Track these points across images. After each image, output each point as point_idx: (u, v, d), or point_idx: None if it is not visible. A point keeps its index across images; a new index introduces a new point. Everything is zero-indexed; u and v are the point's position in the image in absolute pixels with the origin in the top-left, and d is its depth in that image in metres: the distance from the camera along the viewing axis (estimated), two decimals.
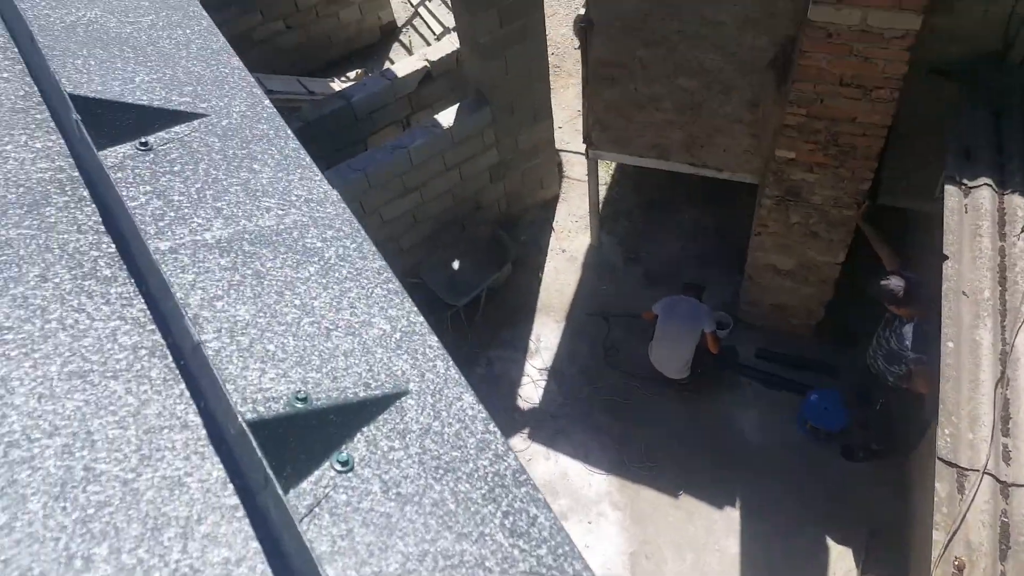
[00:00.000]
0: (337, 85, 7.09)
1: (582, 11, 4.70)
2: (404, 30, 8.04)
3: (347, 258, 0.94)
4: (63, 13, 1.10)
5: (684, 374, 5.03)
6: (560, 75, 7.09)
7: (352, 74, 7.46)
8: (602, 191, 6.15)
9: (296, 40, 7.71)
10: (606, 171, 6.37)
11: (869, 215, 4.36)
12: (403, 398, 0.82)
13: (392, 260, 1.06)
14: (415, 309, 0.93)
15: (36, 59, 1.01)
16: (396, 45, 7.99)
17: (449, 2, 7.59)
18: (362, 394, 0.81)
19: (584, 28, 4.59)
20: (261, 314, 0.84)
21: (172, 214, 0.91)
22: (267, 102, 1.08)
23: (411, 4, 8.05)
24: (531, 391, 5.41)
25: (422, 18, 7.81)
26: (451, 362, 0.89)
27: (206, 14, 1.16)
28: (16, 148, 0.91)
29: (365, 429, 0.79)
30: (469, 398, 0.85)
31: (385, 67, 7.15)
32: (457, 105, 5.59)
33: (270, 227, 0.93)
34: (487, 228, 6.08)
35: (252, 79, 1.13)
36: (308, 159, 1.07)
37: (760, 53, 4.17)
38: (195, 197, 0.94)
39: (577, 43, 7.03)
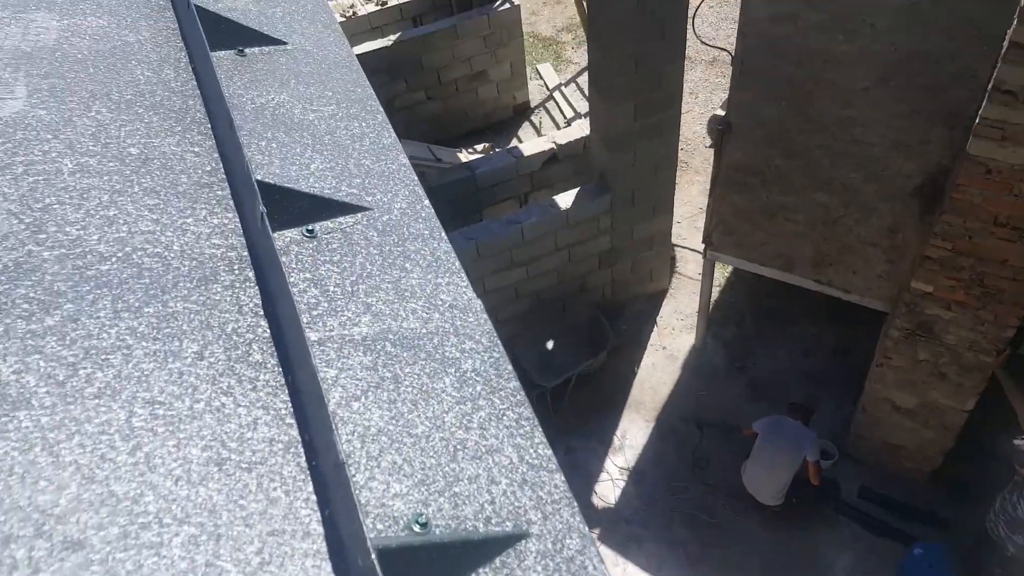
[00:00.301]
0: (464, 156, 7.34)
1: (720, 112, 4.70)
2: (537, 111, 8.29)
3: (483, 374, 0.91)
4: (255, 95, 1.16)
5: (778, 501, 4.72)
6: (687, 171, 7.07)
7: (480, 147, 7.72)
8: (714, 292, 6.00)
9: (434, 110, 8.09)
10: (721, 272, 6.23)
11: (1009, 365, 4.02)
12: (523, 541, 0.78)
13: None
14: (544, 441, 0.89)
15: (228, 137, 1.06)
16: (527, 124, 8.23)
17: (585, 90, 7.80)
18: (482, 529, 0.77)
19: (721, 131, 4.57)
20: (394, 421, 0.83)
21: (326, 304, 0.92)
22: (427, 202, 1.09)
23: (547, 88, 8.31)
24: (608, 490, 5.22)
25: (556, 102, 8.04)
26: (576, 508, 0.84)
27: (382, 110, 1.20)
28: (196, 222, 0.95)
29: (482, 570, 0.74)
30: (593, 556, 0.80)
31: (513, 144, 7.37)
32: (578, 189, 5.65)
33: (413, 330, 0.93)
34: (588, 311, 6.03)
35: (416, 177, 1.15)
36: (457, 264, 1.06)
37: (907, 179, 4.01)
38: (349, 290, 0.94)
39: (709, 142, 7.04)
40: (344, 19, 8.28)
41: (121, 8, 1.31)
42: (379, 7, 8.53)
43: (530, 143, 6.45)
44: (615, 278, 6.13)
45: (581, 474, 5.29)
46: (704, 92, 7.77)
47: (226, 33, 1.26)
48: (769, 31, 4.01)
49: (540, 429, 0.91)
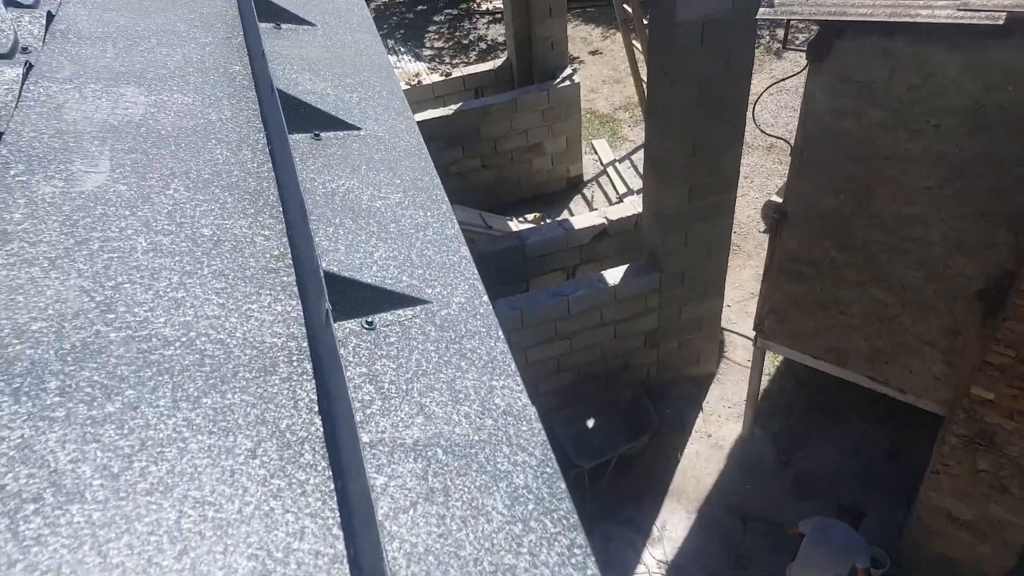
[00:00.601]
0: (515, 224, 7.42)
1: (775, 198, 4.67)
2: (590, 185, 8.38)
3: (535, 491, 0.88)
4: (327, 179, 1.18)
5: None
6: (739, 254, 7.01)
7: (531, 216, 7.80)
8: (763, 380, 5.85)
9: (489, 178, 8.24)
10: (771, 361, 6.08)
11: None
12: None
13: None
14: (597, 572, 0.85)
15: (298, 222, 1.07)
16: (579, 197, 8.31)
17: (639, 167, 7.86)
18: None
19: (777, 219, 4.53)
20: (442, 539, 0.79)
21: (379, 403, 0.90)
22: (485, 298, 1.08)
23: (601, 163, 8.40)
24: None
25: (609, 177, 8.11)
26: None
27: (447, 199, 1.20)
28: (260, 308, 0.96)
29: None
30: None
31: (564, 216, 7.43)
32: (627, 266, 5.63)
33: (465, 437, 0.90)
34: (631, 391, 5.92)
35: (475, 271, 1.14)
36: (513, 367, 1.04)
37: (969, 281, 3.89)
38: (403, 388, 0.93)
39: (763, 227, 6.99)
40: (409, 87, 8.57)
41: (207, 86, 1.36)
42: (443, 77, 8.82)
43: (581, 216, 6.49)
44: (661, 358, 6.04)
45: (616, 566, 5.09)
46: (760, 177, 7.76)
47: (304, 117, 1.30)
48: (831, 125, 4.00)
49: (593, 558, 0.87)
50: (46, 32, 1.34)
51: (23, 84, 1.17)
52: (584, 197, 8.30)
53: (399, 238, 1.17)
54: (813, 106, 4.05)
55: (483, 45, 11.94)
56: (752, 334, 5.09)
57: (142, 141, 1.12)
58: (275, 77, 1.36)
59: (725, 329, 6.38)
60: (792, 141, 4.40)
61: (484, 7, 12.98)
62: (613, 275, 5.54)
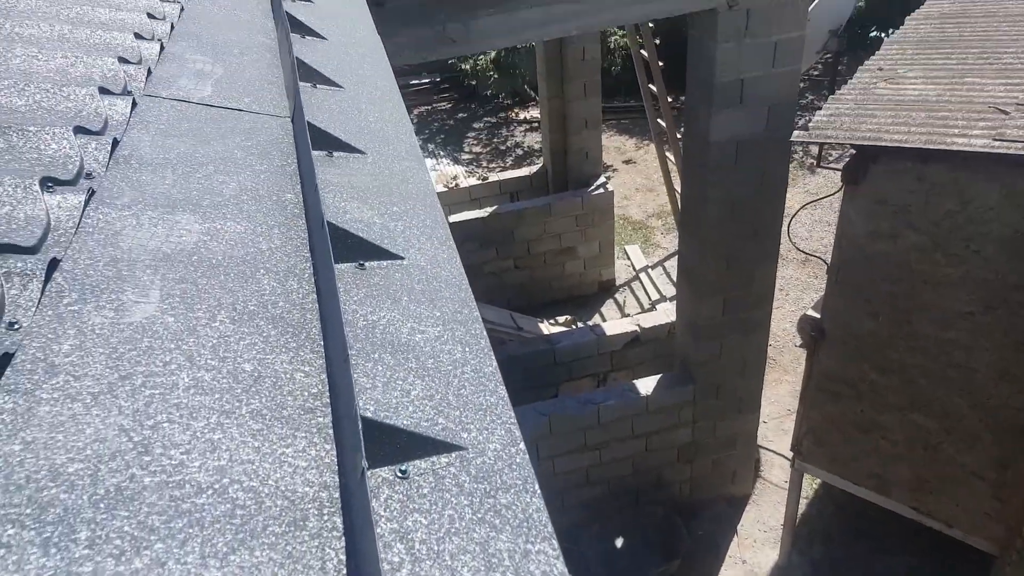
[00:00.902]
0: (546, 327, 7.42)
1: (811, 312, 4.61)
2: (622, 290, 8.40)
3: None
4: (368, 311, 1.18)
5: None
6: (775, 368, 6.89)
7: (562, 319, 7.81)
8: (801, 503, 5.61)
9: (521, 279, 8.33)
10: (809, 483, 5.85)
11: None
12: None
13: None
14: None
15: (337, 358, 1.07)
16: (611, 302, 8.32)
17: (672, 274, 7.88)
18: None
19: (814, 338, 4.47)
20: None
21: (409, 566, 0.86)
22: (522, 445, 1.06)
23: (633, 269, 8.46)
24: None
25: (641, 283, 8.14)
26: None
27: (486, 334, 1.20)
28: (294, 453, 0.94)
29: None
30: None
31: (595, 321, 7.42)
32: (660, 376, 5.56)
33: None
34: (662, 510, 5.71)
35: (512, 412, 1.12)
36: (550, 528, 1.00)
37: (1016, 412, 3.75)
38: (435, 549, 0.89)
39: (799, 341, 6.88)
40: (447, 189, 8.83)
41: (259, 214, 1.40)
42: (480, 181, 9.09)
43: (613, 322, 6.48)
44: (694, 475, 5.84)
45: None
46: (795, 290, 7.72)
47: (350, 247, 1.33)
48: (867, 247, 4.00)
49: None
50: (110, 158, 1.40)
51: (84, 210, 1.22)
52: (616, 302, 8.30)
53: (436, 375, 1.16)
54: (848, 227, 4.06)
55: (519, 151, 12.34)
56: (789, 454, 4.93)
57: (193, 270, 1.14)
58: (325, 206, 1.40)
59: (761, 447, 6.19)
60: (827, 258, 4.38)
61: (522, 116, 13.50)
62: (645, 385, 5.46)
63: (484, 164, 12.00)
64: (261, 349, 1.08)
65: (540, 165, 9.03)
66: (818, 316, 4.51)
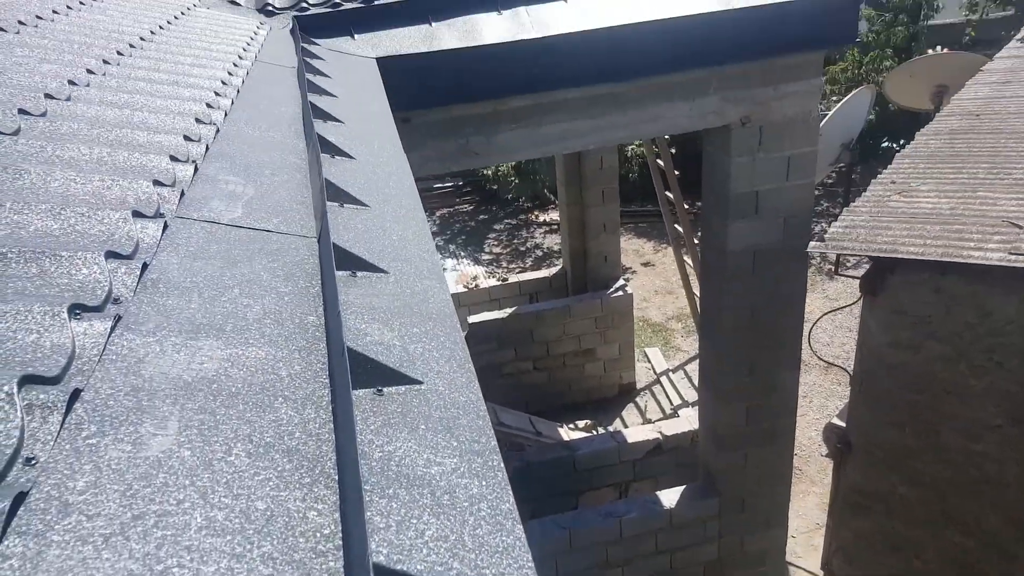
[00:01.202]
0: (565, 432, 7.30)
1: (837, 420, 4.51)
2: (643, 394, 8.30)
3: None
4: (384, 441, 1.17)
5: None
6: (801, 479, 6.67)
7: (582, 423, 7.68)
8: None
9: (540, 380, 8.27)
10: None
11: None
12: None
13: None
14: None
15: (352, 495, 1.05)
16: (631, 406, 8.20)
17: (693, 378, 7.79)
18: None
19: (840, 449, 4.34)
20: None
21: None
22: None
23: (654, 372, 8.38)
24: None
25: (662, 386, 8.04)
26: None
27: (503, 468, 1.18)
28: None
29: None
30: None
31: (615, 426, 7.29)
32: (683, 487, 5.39)
33: None
34: None
35: (530, 556, 1.09)
36: None
37: None
38: None
39: (825, 450, 6.69)
40: (467, 290, 8.93)
41: (281, 338, 1.41)
42: (500, 282, 9.19)
43: (635, 429, 6.36)
44: None
45: None
46: (819, 397, 7.58)
47: (370, 372, 1.33)
48: (889, 357, 3.94)
49: None
50: (139, 282, 1.44)
51: (109, 337, 1.24)
52: (637, 406, 8.19)
53: (452, 513, 1.13)
54: (869, 337, 4.02)
55: (539, 253, 12.52)
56: (820, 573, 4.70)
57: (212, 400, 1.15)
58: (346, 329, 1.42)
59: (791, 564, 5.91)
60: (848, 366, 4.32)
61: (541, 219, 13.79)
62: (669, 497, 5.30)
63: (504, 265, 12.16)
64: (275, 485, 1.07)
65: (559, 267, 9.14)
66: (843, 425, 4.41)
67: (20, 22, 2.99)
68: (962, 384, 3.71)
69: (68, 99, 2.36)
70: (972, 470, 3.80)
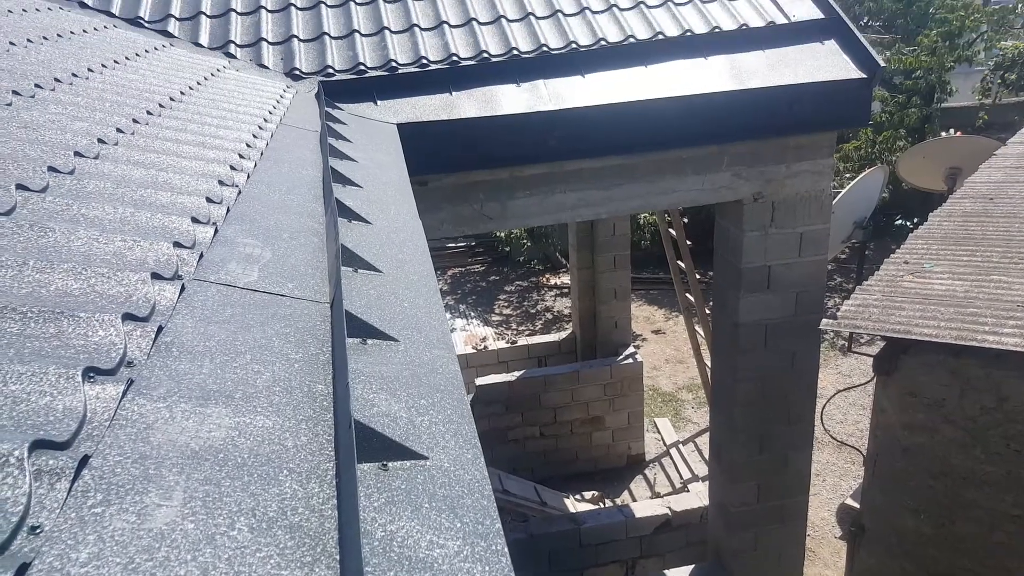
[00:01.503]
0: (571, 503, 7.15)
1: (850, 501, 4.41)
2: (652, 466, 8.15)
3: None
4: (387, 520, 1.17)
5: None
6: (815, 562, 6.47)
7: (588, 495, 7.54)
8: None
9: (546, 448, 8.16)
10: None
11: None
12: None
13: None
14: None
15: None
16: (640, 478, 8.05)
17: (704, 451, 7.67)
18: None
19: (854, 533, 4.23)
20: None
21: None
22: None
23: (663, 443, 8.25)
24: None
25: (672, 459, 7.91)
26: None
27: (507, 553, 1.16)
28: None
29: None
30: None
31: (623, 499, 7.14)
32: (692, 567, 5.24)
33: None
34: None
35: None
36: None
37: None
38: None
39: (839, 531, 6.52)
40: (475, 351, 8.90)
41: (289, 407, 1.41)
42: (509, 344, 9.17)
43: (643, 503, 6.23)
44: None
45: None
46: (833, 476, 7.41)
47: (375, 446, 1.32)
48: (904, 439, 3.87)
49: None
50: (153, 345, 1.45)
51: (120, 401, 1.24)
52: (646, 478, 8.04)
53: None
54: (883, 418, 3.96)
55: (549, 315, 12.52)
56: None
57: (218, 470, 1.14)
58: (353, 400, 1.42)
59: None
60: (862, 446, 4.24)
61: (552, 282, 13.85)
62: None
63: (514, 327, 12.16)
64: (276, 563, 1.06)
65: (569, 331, 9.13)
66: (857, 506, 4.30)
67: (56, 79, 3.10)
68: (979, 471, 3.63)
69: (96, 157, 2.42)
70: (991, 561, 3.68)
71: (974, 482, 3.66)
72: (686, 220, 7.91)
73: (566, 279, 13.54)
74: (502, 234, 13.78)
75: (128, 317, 1.53)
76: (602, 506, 6.75)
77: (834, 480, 7.34)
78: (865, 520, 4.16)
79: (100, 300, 1.60)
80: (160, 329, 1.56)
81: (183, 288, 1.79)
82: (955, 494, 3.74)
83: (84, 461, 1.12)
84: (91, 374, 1.31)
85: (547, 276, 14.05)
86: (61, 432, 1.15)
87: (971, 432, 3.62)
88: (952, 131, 12.78)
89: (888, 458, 3.98)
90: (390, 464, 1.35)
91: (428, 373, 1.71)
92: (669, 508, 5.99)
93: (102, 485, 1.10)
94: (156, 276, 1.76)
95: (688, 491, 6.53)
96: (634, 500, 7.11)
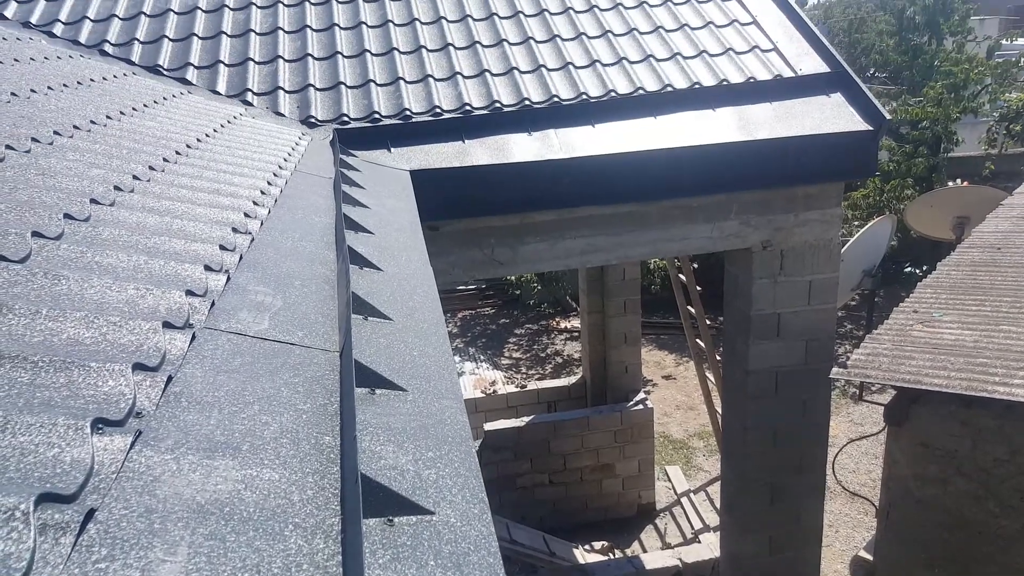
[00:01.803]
0: (580, 554, 7.02)
1: (864, 554, 4.32)
2: (662, 515, 8.02)
3: None
4: None
5: None
6: None
7: (598, 545, 7.40)
8: None
9: (555, 496, 8.05)
10: None
11: None
12: None
13: None
14: None
15: None
16: (650, 527, 7.91)
17: (716, 501, 7.54)
18: None
19: None
20: None
21: None
22: None
23: (674, 492, 8.13)
24: None
25: (683, 508, 7.78)
26: None
27: None
28: None
29: None
30: None
31: (633, 549, 7.01)
32: None
33: None
34: None
35: None
36: None
37: None
38: None
39: None
40: (483, 395, 8.85)
41: (296, 460, 1.41)
42: (518, 389, 9.12)
43: (654, 554, 6.12)
44: None
45: None
46: (845, 527, 7.27)
47: (381, 501, 1.31)
48: (916, 490, 3.81)
49: None
50: (162, 395, 1.46)
51: (128, 453, 1.25)
52: (657, 528, 7.89)
53: None
54: (895, 469, 3.90)
55: (559, 359, 12.47)
56: None
57: (223, 525, 1.14)
58: (360, 453, 1.41)
59: None
60: (874, 496, 4.17)
61: (563, 325, 13.82)
62: None
63: (523, 370, 12.10)
64: None
65: (579, 376, 9.08)
66: (871, 558, 4.21)
67: (75, 126, 3.17)
68: (994, 525, 3.56)
69: (112, 204, 2.46)
70: None
71: (988, 536, 3.58)
72: (696, 265, 7.93)
73: (576, 323, 13.52)
74: (513, 277, 13.83)
75: (138, 367, 1.54)
76: (612, 557, 6.62)
77: (847, 531, 7.19)
78: (879, 574, 4.07)
79: (111, 349, 1.61)
80: (170, 379, 1.57)
81: (194, 337, 1.80)
82: (970, 547, 3.66)
83: (90, 515, 1.12)
84: (100, 425, 1.31)
85: (557, 320, 14.03)
86: (68, 485, 1.15)
87: (984, 484, 3.55)
88: (959, 180, 12.82)
89: (901, 510, 3.90)
90: (396, 519, 1.34)
91: (436, 424, 1.70)
92: (680, 560, 5.88)
93: (107, 540, 1.10)
94: (168, 325, 1.77)
95: (699, 542, 6.41)
96: (644, 551, 6.97)
